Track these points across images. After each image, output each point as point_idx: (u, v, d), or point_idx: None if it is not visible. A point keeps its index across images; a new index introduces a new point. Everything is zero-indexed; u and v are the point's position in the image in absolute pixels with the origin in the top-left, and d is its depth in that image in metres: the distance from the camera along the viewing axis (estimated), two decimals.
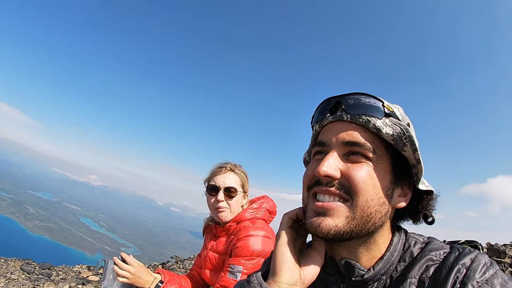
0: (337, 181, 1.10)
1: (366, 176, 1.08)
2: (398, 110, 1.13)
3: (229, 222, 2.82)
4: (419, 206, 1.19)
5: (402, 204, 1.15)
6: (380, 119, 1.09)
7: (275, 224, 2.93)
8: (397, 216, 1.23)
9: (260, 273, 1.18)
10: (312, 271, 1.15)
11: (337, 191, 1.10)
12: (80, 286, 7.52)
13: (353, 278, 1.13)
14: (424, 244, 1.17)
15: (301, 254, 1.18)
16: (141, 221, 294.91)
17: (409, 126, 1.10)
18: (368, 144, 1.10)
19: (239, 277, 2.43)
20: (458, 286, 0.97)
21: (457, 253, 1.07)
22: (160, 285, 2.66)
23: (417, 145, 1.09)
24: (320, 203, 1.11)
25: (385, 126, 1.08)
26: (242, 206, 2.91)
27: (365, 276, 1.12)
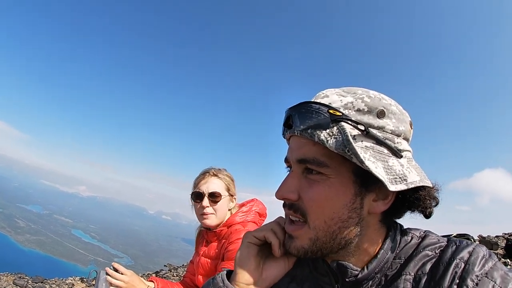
0: (296, 202, 1.07)
1: (320, 198, 1.02)
2: (353, 106, 1.01)
3: (219, 226, 2.84)
4: (408, 203, 1.06)
5: (381, 208, 1.04)
6: (325, 130, 0.97)
7: None
8: (394, 212, 1.11)
9: (225, 271, 1.23)
10: (274, 272, 1.19)
11: (296, 214, 1.08)
12: None
13: (346, 279, 1.09)
14: (420, 239, 1.12)
15: (269, 256, 1.21)
16: (133, 231, 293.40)
17: (363, 129, 0.97)
18: (319, 159, 1.01)
19: None
20: (457, 281, 0.94)
21: (454, 247, 1.03)
22: None
23: (361, 156, 0.93)
24: (289, 228, 1.12)
25: (330, 138, 0.96)
26: (230, 210, 2.92)
27: (359, 276, 1.07)
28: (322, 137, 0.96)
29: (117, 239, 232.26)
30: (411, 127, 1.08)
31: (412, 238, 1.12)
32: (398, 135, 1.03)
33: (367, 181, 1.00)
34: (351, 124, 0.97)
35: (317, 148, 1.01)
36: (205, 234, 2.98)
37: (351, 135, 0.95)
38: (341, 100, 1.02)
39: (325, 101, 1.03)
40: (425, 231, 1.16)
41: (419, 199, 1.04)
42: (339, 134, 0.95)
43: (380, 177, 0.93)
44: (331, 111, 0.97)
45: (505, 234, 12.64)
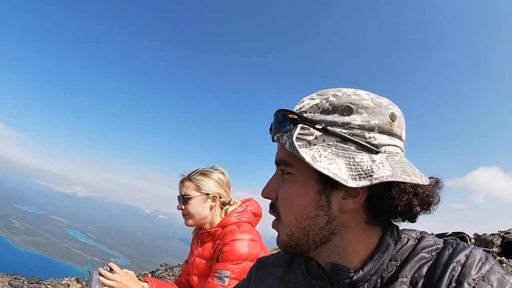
0: (275, 201, 1.12)
1: (288, 196, 1.06)
2: (318, 107, 1.03)
3: (213, 227, 2.83)
4: (380, 202, 1.00)
5: (351, 206, 1.01)
6: (286, 133, 1.02)
7: (261, 226, 2.97)
8: (380, 213, 1.05)
9: None
10: None
11: (273, 212, 1.13)
12: None
13: (341, 281, 1.06)
14: (416, 241, 1.09)
15: None
16: (129, 231, 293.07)
17: (320, 128, 0.98)
18: (285, 159, 1.06)
19: (227, 282, 2.43)
20: (454, 285, 0.92)
21: (450, 249, 1.01)
22: None
23: (304, 155, 0.94)
24: (272, 224, 1.16)
25: (287, 139, 1.00)
26: (212, 208, 2.87)
27: (354, 278, 1.05)
28: (283, 140, 1.01)
29: (114, 239, 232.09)
30: (392, 119, 1.03)
31: (408, 239, 1.10)
32: (370, 130, 1.00)
33: (331, 178, 0.95)
34: (308, 125, 1.00)
35: (285, 150, 1.03)
36: (200, 234, 2.95)
37: (314, 136, 1.00)
38: (309, 103, 1.05)
39: (298, 106, 1.07)
40: (421, 232, 1.14)
41: (390, 197, 0.97)
42: (290, 135, 0.98)
43: (329, 174, 0.92)
44: (289, 115, 1.02)
45: (501, 232, 12.68)
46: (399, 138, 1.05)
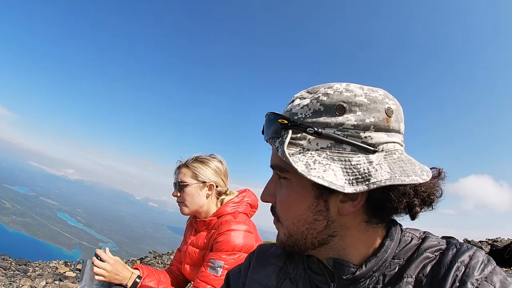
0: (275, 205, 1.11)
1: (285, 201, 1.05)
2: (309, 108, 0.99)
3: (208, 216, 2.79)
4: (380, 204, 0.97)
5: (350, 210, 0.98)
6: (278, 139, 1.00)
7: (257, 218, 2.94)
8: (385, 214, 1.03)
9: None
10: None
11: (274, 215, 1.13)
12: (57, 282, 7.39)
13: (343, 277, 1.05)
14: (420, 240, 1.08)
15: None
16: (119, 216, 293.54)
17: (312, 132, 0.94)
18: (280, 165, 1.03)
19: (220, 272, 2.39)
20: (458, 285, 0.92)
21: (454, 250, 1.00)
22: (138, 280, 2.61)
23: (292, 160, 0.91)
24: (274, 223, 1.16)
25: (280, 146, 0.96)
26: (208, 196, 2.81)
27: (357, 274, 1.03)
28: (276, 145, 0.99)
29: (103, 224, 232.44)
30: (388, 114, 0.97)
31: (412, 238, 1.10)
32: (365, 129, 0.95)
33: None
34: (299, 129, 0.96)
35: (279, 155, 0.99)
36: (194, 222, 2.90)
37: (307, 139, 0.96)
38: (299, 104, 1.01)
39: (289, 106, 1.05)
40: (425, 232, 1.13)
41: (389, 200, 0.94)
42: (282, 142, 0.96)
43: (324, 183, 0.88)
44: (279, 120, 0.99)
45: (489, 240, 12.83)
46: (398, 132, 1.00)
